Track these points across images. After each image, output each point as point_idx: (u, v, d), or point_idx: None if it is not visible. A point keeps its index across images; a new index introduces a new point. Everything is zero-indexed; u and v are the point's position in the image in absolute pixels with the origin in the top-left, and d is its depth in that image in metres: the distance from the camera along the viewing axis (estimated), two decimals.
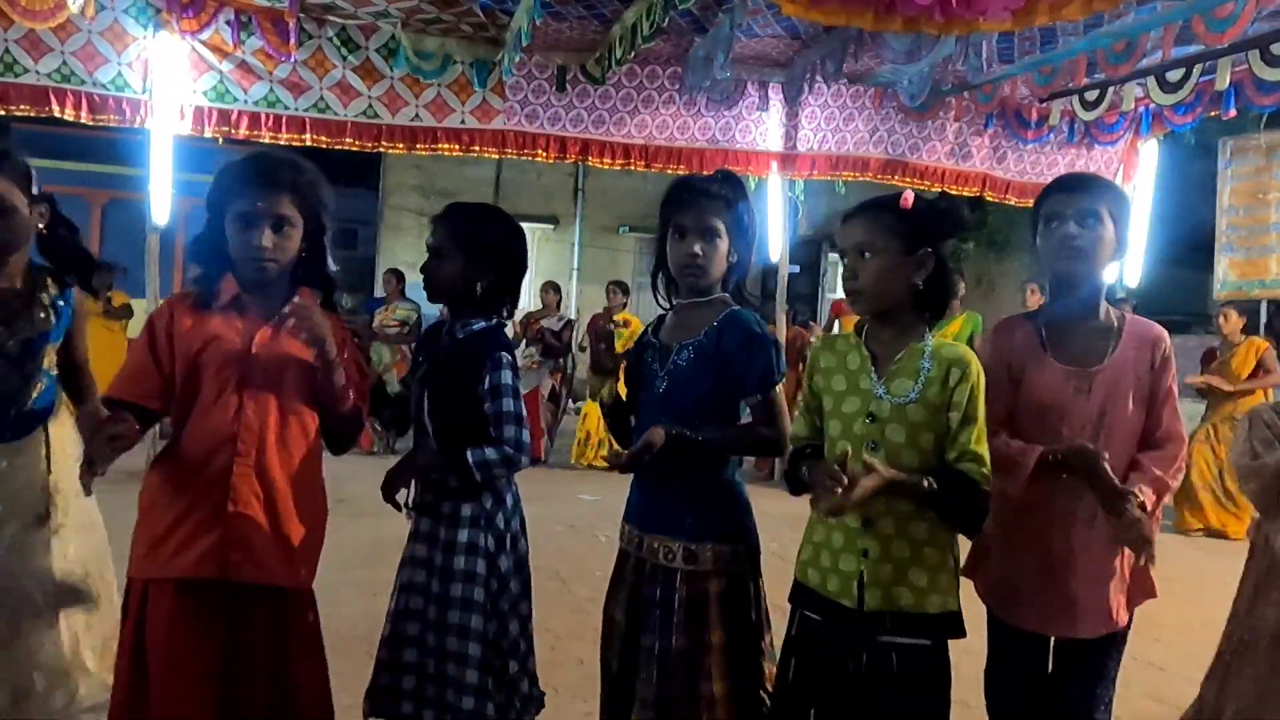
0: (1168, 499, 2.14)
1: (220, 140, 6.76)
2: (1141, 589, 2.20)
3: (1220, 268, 8.00)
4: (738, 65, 6.72)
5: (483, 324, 2.31)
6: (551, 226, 15.65)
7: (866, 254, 1.93)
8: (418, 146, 6.81)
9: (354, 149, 6.79)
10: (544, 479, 6.79)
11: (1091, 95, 6.89)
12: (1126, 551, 2.11)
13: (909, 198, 1.94)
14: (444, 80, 6.67)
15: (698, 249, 2.15)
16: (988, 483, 1.88)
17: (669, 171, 7.53)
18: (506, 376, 2.21)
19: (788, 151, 7.60)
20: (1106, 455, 2.03)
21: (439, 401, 2.29)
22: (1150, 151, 8.19)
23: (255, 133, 6.43)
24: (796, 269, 10.44)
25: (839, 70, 6.19)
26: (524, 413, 2.22)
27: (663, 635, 2.08)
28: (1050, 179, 7.81)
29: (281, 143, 6.58)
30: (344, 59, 6.43)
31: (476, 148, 6.92)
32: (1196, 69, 5.95)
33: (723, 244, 2.17)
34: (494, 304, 2.34)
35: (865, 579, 1.90)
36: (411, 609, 2.25)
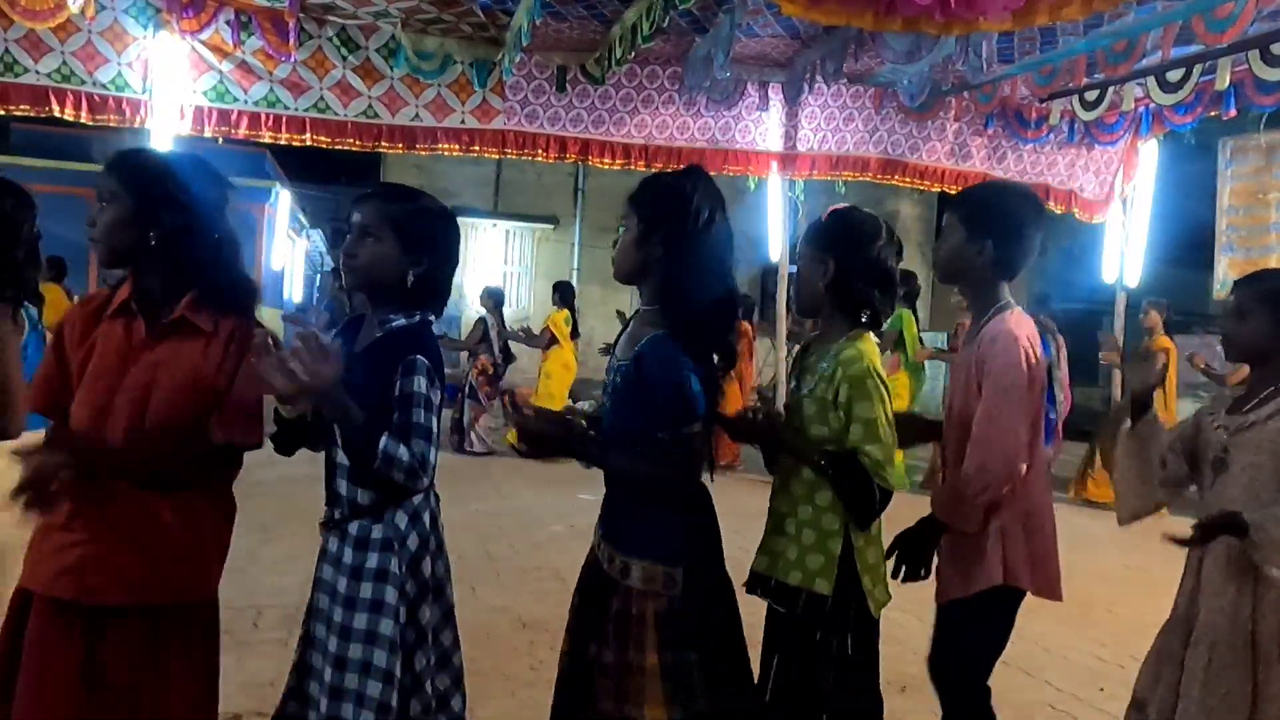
0: (981, 491, 2.15)
1: (220, 140, 6.76)
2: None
3: (1220, 268, 7.99)
4: (738, 65, 6.72)
5: (404, 321, 2.01)
6: (551, 226, 15.64)
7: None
8: (418, 146, 6.81)
9: (354, 149, 6.79)
10: (544, 478, 6.78)
11: (1091, 95, 6.89)
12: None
13: (827, 211, 2.19)
14: (444, 80, 6.67)
15: (615, 242, 2.10)
16: (880, 479, 2.03)
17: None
18: (419, 384, 1.90)
19: (788, 151, 7.60)
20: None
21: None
22: (1150, 151, 8.20)
23: (255, 132, 6.43)
24: (796, 269, 10.42)
25: (839, 70, 6.19)
26: (434, 428, 1.91)
27: (598, 644, 2.01)
28: (1050, 179, 7.76)
29: (281, 143, 6.60)
30: (344, 59, 6.44)
31: (476, 148, 6.93)
32: (1196, 69, 5.96)
33: (628, 235, 2.03)
34: (421, 299, 2.04)
35: (762, 547, 2.20)
36: (316, 638, 2.00)
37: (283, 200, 14.23)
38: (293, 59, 6.28)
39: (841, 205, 2.26)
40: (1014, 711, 3.52)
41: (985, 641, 2.31)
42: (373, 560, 1.94)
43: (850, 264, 2.14)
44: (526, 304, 15.27)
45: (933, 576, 2.30)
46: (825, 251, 2.18)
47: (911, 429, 2.45)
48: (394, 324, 2.00)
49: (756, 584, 2.20)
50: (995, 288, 2.29)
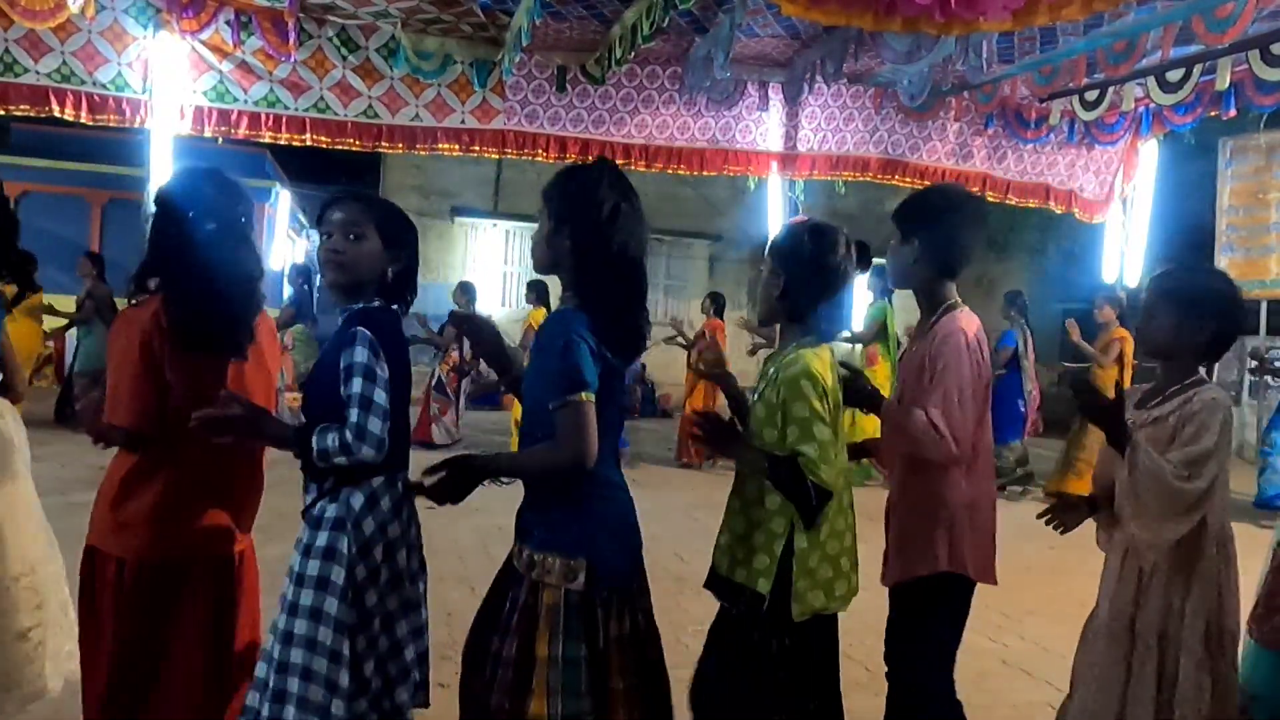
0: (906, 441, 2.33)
1: (220, 140, 6.76)
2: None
3: (1220, 267, 7.99)
4: (738, 65, 6.72)
5: (360, 305, 2.11)
6: None
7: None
8: (418, 146, 6.81)
9: (354, 149, 6.79)
10: None
11: (1091, 95, 6.89)
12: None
13: (785, 224, 2.30)
14: (444, 80, 6.67)
15: (533, 233, 2.14)
16: (815, 478, 2.07)
17: (669, 171, 7.55)
18: (359, 354, 1.96)
19: (788, 151, 7.60)
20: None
21: (308, 391, 2.16)
22: (1150, 151, 8.20)
23: (255, 132, 6.43)
24: None
25: (839, 70, 6.19)
26: (376, 398, 1.94)
27: (499, 637, 2.01)
28: (1050, 179, 7.77)
29: (281, 143, 6.60)
30: (344, 59, 6.44)
31: (476, 148, 6.93)
32: (1196, 69, 5.96)
33: (542, 229, 2.08)
34: (395, 294, 2.17)
35: (717, 543, 2.27)
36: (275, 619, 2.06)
37: (283, 200, 14.23)
38: (293, 59, 6.29)
39: (799, 219, 2.35)
40: (1014, 711, 3.53)
41: (935, 632, 2.38)
42: (322, 539, 1.99)
43: (799, 278, 2.23)
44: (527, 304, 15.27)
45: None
46: (778, 265, 2.26)
47: (856, 393, 2.47)
48: (354, 306, 2.11)
49: (711, 579, 2.29)
50: (940, 288, 2.43)
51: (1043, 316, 15.38)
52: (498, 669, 1.97)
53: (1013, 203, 8.38)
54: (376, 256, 2.10)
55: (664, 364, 11.54)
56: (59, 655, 2.67)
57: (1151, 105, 6.85)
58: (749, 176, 7.90)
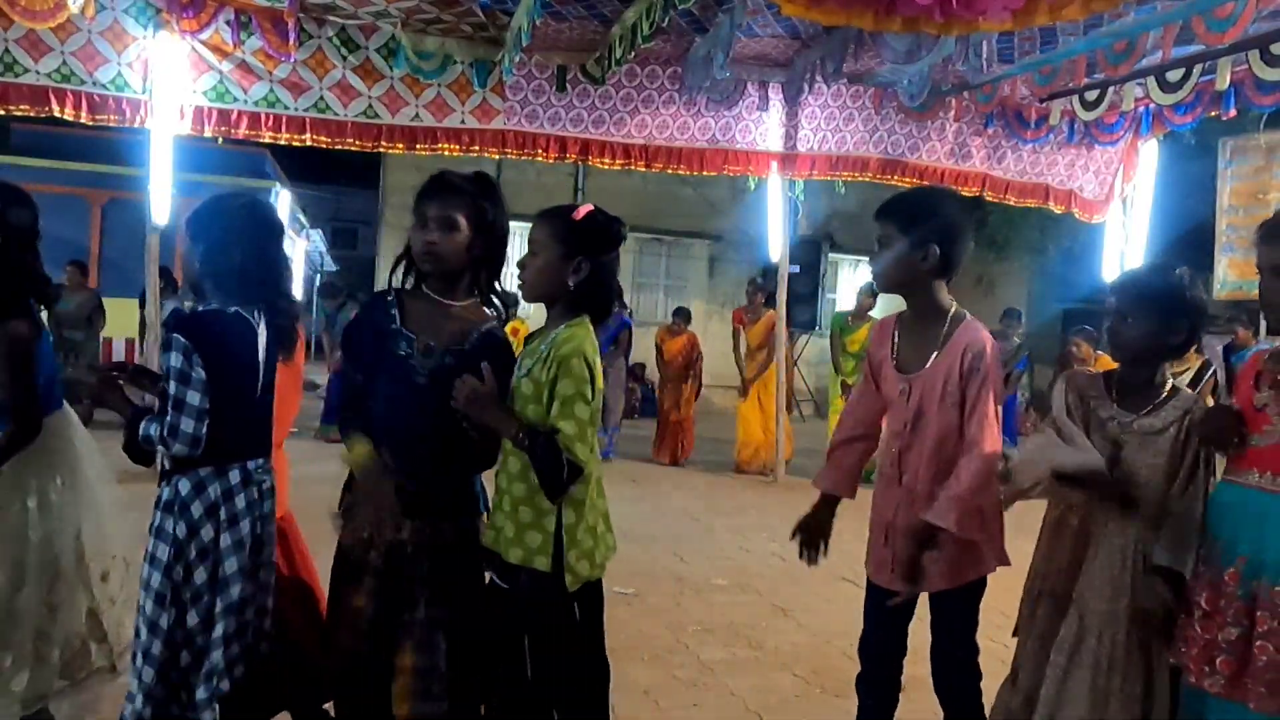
0: (987, 498, 2.24)
1: (220, 140, 6.76)
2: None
3: (1220, 268, 7.99)
4: (738, 65, 6.72)
5: (202, 308, 2.31)
6: None
7: (534, 252, 2.23)
8: (418, 146, 6.81)
9: (354, 149, 6.79)
10: None
11: (1091, 95, 6.88)
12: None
13: (581, 211, 2.22)
14: (444, 80, 6.67)
15: (435, 238, 2.21)
16: (571, 454, 2.09)
17: (669, 171, 7.55)
18: (171, 359, 2.15)
19: (788, 151, 7.60)
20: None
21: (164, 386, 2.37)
22: (1150, 151, 8.19)
23: (255, 132, 6.43)
24: (796, 269, 10.42)
25: (839, 70, 6.19)
26: (185, 398, 2.14)
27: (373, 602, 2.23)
28: (1050, 179, 7.77)
29: (281, 143, 6.60)
30: (344, 59, 6.44)
31: (476, 148, 6.92)
32: (1196, 69, 5.95)
33: (460, 236, 2.23)
34: (222, 284, 2.31)
35: (489, 521, 2.26)
36: None
37: (283, 200, 14.23)
38: (293, 59, 6.29)
39: (587, 205, 2.29)
40: None
41: (974, 626, 2.42)
42: (156, 518, 2.23)
43: (601, 265, 2.24)
44: (527, 305, 15.25)
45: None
46: (577, 252, 2.23)
47: None
48: (181, 310, 2.35)
49: (485, 559, 2.27)
50: (940, 291, 2.37)
51: (1043, 316, 15.38)
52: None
53: (1012, 203, 8.39)
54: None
55: None
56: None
57: (1151, 105, 6.85)
58: (749, 176, 7.89)
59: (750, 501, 7.33)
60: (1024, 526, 2.55)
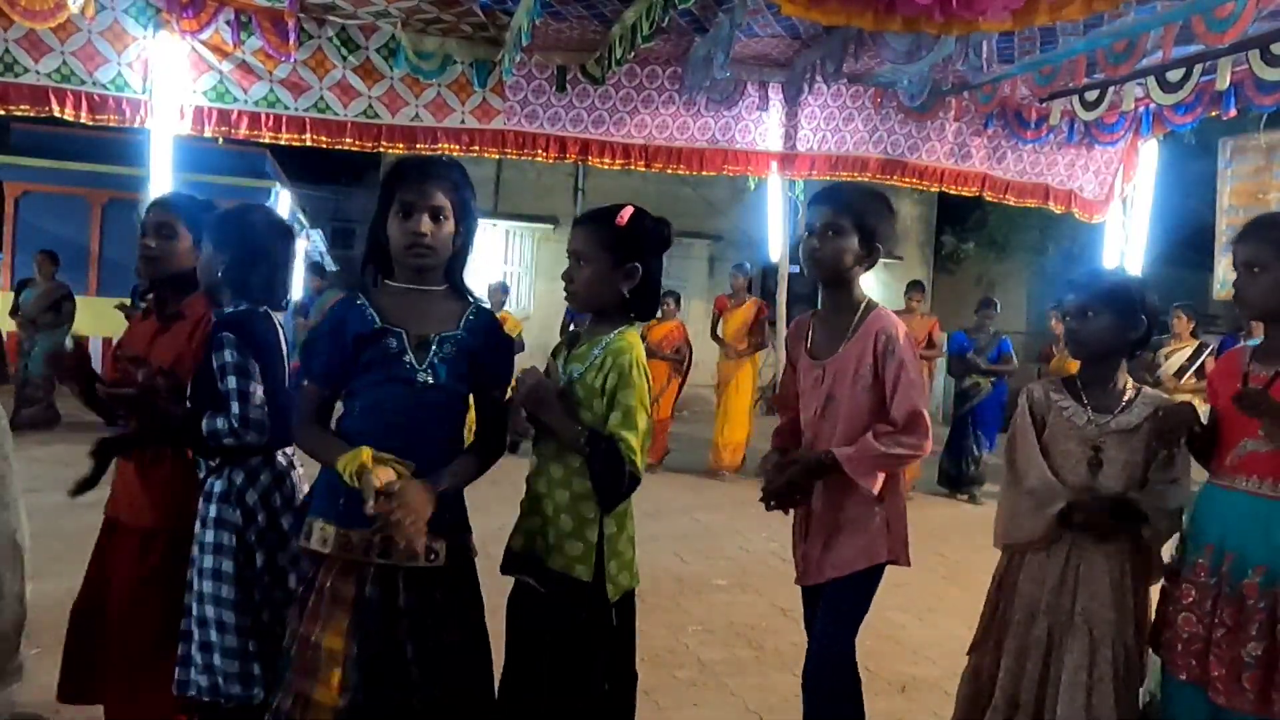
0: (904, 459, 2.38)
1: (220, 140, 6.75)
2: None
3: (1220, 268, 7.98)
4: (738, 65, 6.72)
5: (231, 309, 2.44)
6: (551, 226, 15.64)
7: (581, 262, 2.18)
8: (418, 146, 6.79)
9: (354, 149, 6.78)
10: None
11: (1091, 95, 6.88)
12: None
13: (624, 215, 2.16)
14: (444, 80, 6.67)
15: (425, 229, 2.07)
16: (632, 465, 2.06)
17: (669, 171, 7.55)
18: (226, 355, 2.30)
19: (788, 151, 7.59)
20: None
21: (192, 386, 2.44)
22: (1150, 151, 8.19)
23: (255, 132, 6.43)
24: (796, 269, 10.44)
25: (839, 70, 6.19)
26: (249, 390, 2.29)
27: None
28: (1050, 179, 7.77)
29: (281, 143, 6.59)
30: (344, 59, 6.43)
31: (476, 148, 6.92)
32: (1196, 69, 5.95)
33: (449, 225, 2.13)
34: (246, 288, 2.43)
35: (519, 526, 2.23)
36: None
37: (283, 200, 14.25)
38: (293, 59, 6.28)
39: (629, 207, 2.21)
40: None
41: (860, 614, 2.50)
42: (213, 509, 2.32)
43: (651, 269, 2.23)
44: (527, 305, 15.29)
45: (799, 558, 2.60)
46: (628, 258, 2.20)
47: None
48: (225, 311, 2.44)
49: (513, 563, 2.23)
50: (856, 282, 2.51)
51: (1043, 316, 15.39)
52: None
53: (1012, 203, 8.37)
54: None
55: None
56: None
57: (1151, 105, 6.85)
58: (749, 176, 7.89)
59: (750, 501, 7.32)
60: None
